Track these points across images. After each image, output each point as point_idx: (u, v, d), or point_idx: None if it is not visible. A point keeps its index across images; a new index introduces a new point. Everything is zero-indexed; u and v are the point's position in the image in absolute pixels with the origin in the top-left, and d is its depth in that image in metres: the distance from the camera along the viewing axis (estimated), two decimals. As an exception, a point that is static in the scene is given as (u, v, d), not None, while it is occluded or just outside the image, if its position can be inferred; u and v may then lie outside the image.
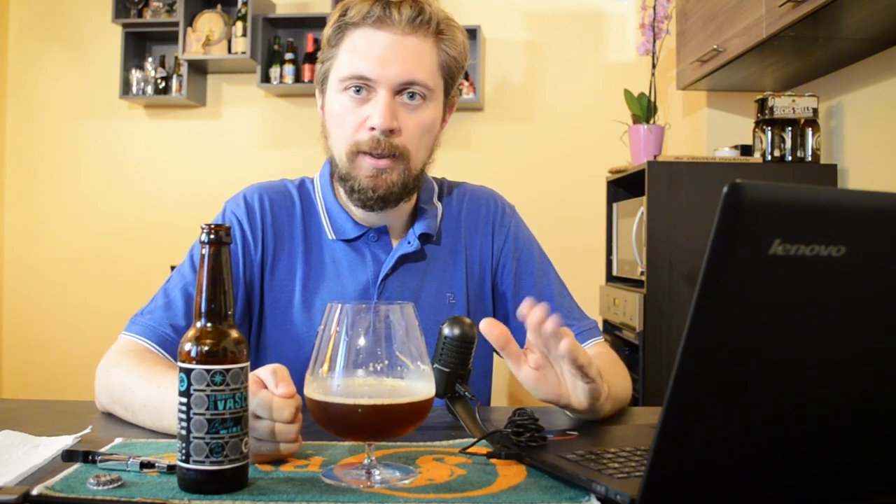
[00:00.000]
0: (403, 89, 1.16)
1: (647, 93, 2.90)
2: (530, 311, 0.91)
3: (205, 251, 0.76)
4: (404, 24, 1.15)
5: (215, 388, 0.73)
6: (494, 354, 1.34)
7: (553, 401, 0.97)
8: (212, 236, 0.76)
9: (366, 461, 0.80)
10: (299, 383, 0.84)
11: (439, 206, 1.32)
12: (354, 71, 1.16)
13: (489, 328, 0.92)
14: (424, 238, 1.27)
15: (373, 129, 1.15)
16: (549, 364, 0.96)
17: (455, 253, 1.29)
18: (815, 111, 2.50)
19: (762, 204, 0.55)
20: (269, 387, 0.83)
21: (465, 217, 1.33)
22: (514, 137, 3.80)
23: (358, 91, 1.16)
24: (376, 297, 1.23)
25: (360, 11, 1.15)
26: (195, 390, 0.73)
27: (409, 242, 1.25)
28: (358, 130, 1.17)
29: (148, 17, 3.80)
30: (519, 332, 1.29)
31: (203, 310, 0.76)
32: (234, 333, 0.76)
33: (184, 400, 0.74)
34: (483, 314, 1.30)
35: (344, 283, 1.23)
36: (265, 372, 0.84)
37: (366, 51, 1.15)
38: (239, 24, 3.69)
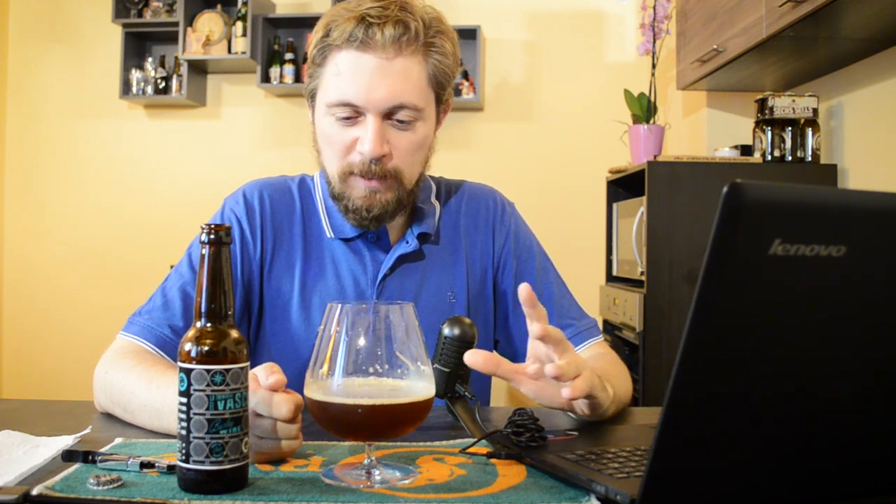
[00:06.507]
0: (392, 112, 1.13)
1: (647, 93, 2.90)
2: (533, 312, 0.91)
3: (205, 251, 0.76)
4: (388, 45, 1.10)
5: (215, 388, 0.73)
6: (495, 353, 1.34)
7: (558, 408, 0.98)
8: (212, 236, 0.76)
9: (366, 461, 0.80)
10: (296, 382, 0.83)
11: (437, 205, 1.31)
12: (341, 97, 1.13)
13: (473, 359, 0.90)
14: (423, 237, 1.26)
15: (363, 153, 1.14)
16: None
17: (455, 252, 1.29)
18: (815, 111, 2.50)
19: (762, 204, 0.55)
20: (259, 381, 0.83)
21: (464, 216, 1.32)
22: (514, 137, 3.80)
23: (346, 118, 1.14)
24: (375, 298, 1.22)
25: (343, 33, 1.11)
26: (195, 390, 0.73)
27: (407, 242, 1.24)
28: (349, 153, 1.15)
29: (148, 17, 3.80)
30: (520, 329, 1.30)
31: (203, 310, 0.76)
32: (234, 333, 0.76)
33: (184, 400, 0.74)
34: (484, 313, 1.30)
35: (342, 282, 1.23)
36: (258, 369, 0.85)
37: (351, 75, 1.12)
38: (239, 24, 3.69)
